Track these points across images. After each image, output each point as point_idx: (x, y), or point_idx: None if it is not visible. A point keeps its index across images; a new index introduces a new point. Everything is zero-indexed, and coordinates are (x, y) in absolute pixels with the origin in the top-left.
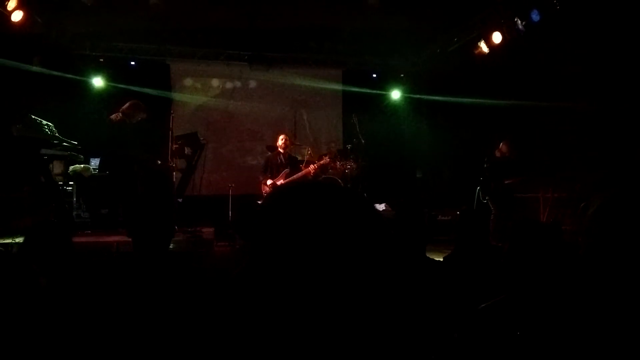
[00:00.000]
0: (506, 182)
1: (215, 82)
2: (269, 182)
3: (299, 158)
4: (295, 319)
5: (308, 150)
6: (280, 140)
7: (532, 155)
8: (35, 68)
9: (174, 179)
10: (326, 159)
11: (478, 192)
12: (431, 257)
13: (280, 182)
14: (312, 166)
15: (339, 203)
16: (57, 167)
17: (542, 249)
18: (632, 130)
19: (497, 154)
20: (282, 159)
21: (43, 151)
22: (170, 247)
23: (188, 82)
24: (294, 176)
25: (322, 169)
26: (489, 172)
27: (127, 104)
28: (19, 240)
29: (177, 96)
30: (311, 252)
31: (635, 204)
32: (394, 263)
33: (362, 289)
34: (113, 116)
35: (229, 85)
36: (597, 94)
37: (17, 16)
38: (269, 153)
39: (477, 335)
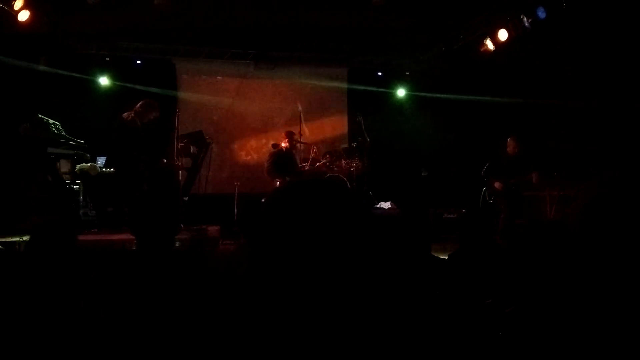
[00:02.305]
0: (512, 181)
1: (220, 81)
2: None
3: (307, 156)
4: (297, 316)
5: (314, 149)
6: (284, 141)
7: (539, 153)
8: (42, 67)
9: (180, 178)
10: (321, 163)
11: (484, 193)
12: (436, 255)
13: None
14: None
15: (336, 203)
16: (64, 166)
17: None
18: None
19: (508, 149)
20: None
21: (50, 150)
22: (176, 245)
23: (193, 80)
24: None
25: (314, 171)
26: (488, 174)
27: (140, 103)
28: (26, 239)
29: (182, 95)
30: (312, 250)
31: (623, 200)
32: (398, 260)
33: (364, 287)
34: (125, 115)
35: (234, 83)
36: (605, 91)
37: (23, 16)
38: (275, 151)
39: (484, 334)
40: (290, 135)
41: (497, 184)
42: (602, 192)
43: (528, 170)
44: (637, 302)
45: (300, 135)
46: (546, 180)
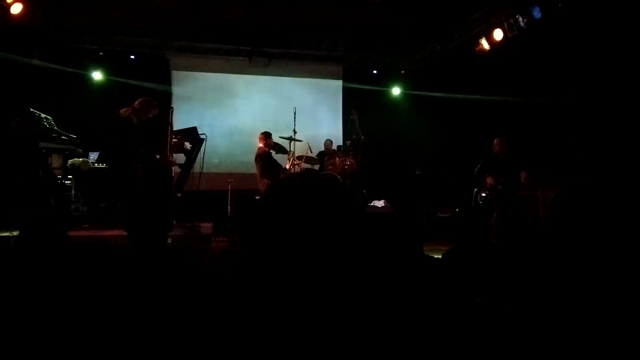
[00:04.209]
0: (501, 180)
1: (214, 77)
2: None
3: (301, 154)
4: (289, 314)
5: (307, 147)
6: (261, 142)
7: (531, 152)
8: (34, 61)
9: (173, 174)
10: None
11: (475, 193)
12: (429, 254)
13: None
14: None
15: (329, 200)
16: (55, 161)
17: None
18: (631, 126)
19: (494, 150)
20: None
21: (42, 144)
22: (168, 241)
23: (187, 76)
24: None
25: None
26: (479, 173)
27: (139, 100)
28: (17, 233)
29: (176, 90)
30: (304, 248)
31: (594, 198)
32: (389, 259)
33: (356, 286)
34: (122, 111)
35: (228, 79)
36: (599, 91)
37: (16, 8)
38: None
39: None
40: (267, 137)
41: (489, 179)
42: (569, 187)
43: (517, 169)
44: (620, 300)
45: (295, 132)
46: (536, 179)
